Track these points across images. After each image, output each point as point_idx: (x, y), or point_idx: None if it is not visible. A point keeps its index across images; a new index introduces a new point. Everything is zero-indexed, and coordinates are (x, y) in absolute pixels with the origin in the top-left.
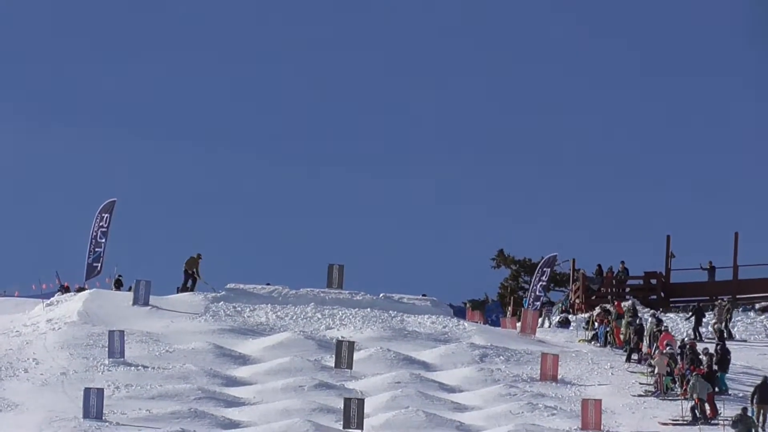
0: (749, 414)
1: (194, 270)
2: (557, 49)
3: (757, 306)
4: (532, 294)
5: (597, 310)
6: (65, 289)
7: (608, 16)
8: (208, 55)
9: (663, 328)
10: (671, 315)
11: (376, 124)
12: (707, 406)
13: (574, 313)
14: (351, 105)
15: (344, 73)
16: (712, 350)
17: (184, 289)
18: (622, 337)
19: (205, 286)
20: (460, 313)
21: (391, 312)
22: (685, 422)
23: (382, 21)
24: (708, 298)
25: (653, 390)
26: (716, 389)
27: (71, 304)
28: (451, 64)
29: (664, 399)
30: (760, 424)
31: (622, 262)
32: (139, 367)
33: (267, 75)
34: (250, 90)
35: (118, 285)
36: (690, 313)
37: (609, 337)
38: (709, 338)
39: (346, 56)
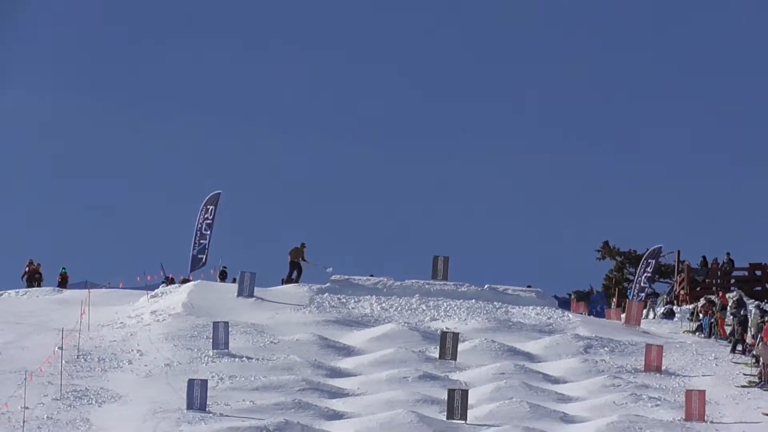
0: None
1: (300, 259)
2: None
3: None
4: (637, 285)
5: (702, 301)
6: (170, 281)
7: None
8: (298, 43)
9: (767, 320)
10: None
11: (477, 112)
12: None
13: (678, 305)
14: (449, 91)
15: (443, 63)
16: None
17: (289, 280)
18: (726, 328)
19: (318, 268)
20: (564, 304)
21: (495, 303)
22: None
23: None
24: None
25: (758, 381)
26: None
27: (176, 296)
28: (557, 50)
29: None
30: None
31: (728, 254)
32: (244, 359)
33: (362, 64)
34: (349, 77)
35: (223, 277)
36: None
37: (713, 329)
38: None
39: (456, 46)
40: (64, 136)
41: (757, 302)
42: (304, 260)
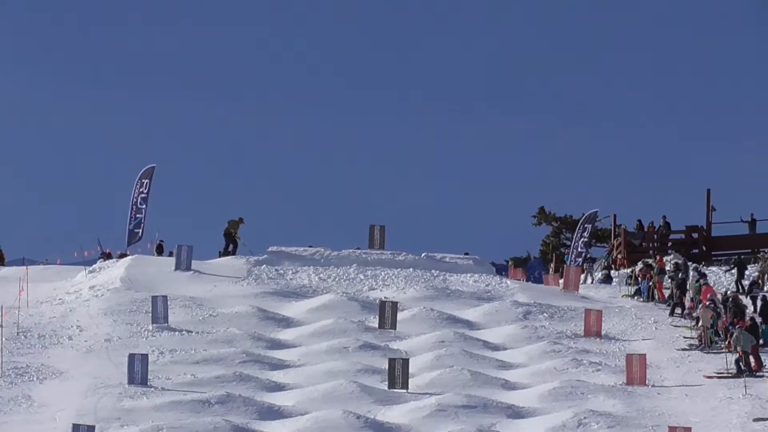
0: None
1: (235, 233)
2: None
3: None
4: (574, 250)
5: (639, 265)
6: (107, 256)
7: None
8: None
9: (704, 282)
10: (713, 268)
11: (413, 77)
12: (752, 359)
13: (616, 269)
14: (387, 56)
15: (377, 23)
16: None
17: (225, 253)
18: (665, 292)
19: (245, 249)
20: (502, 271)
21: (433, 271)
22: (729, 375)
23: None
24: (750, 250)
25: (697, 343)
26: (760, 341)
27: (113, 271)
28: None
29: (709, 352)
30: None
31: (664, 217)
32: (183, 332)
33: (290, 25)
34: (281, 45)
35: (160, 250)
36: (731, 266)
37: (652, 292)
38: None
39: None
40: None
41: (694, 265)
42: (238, 236)
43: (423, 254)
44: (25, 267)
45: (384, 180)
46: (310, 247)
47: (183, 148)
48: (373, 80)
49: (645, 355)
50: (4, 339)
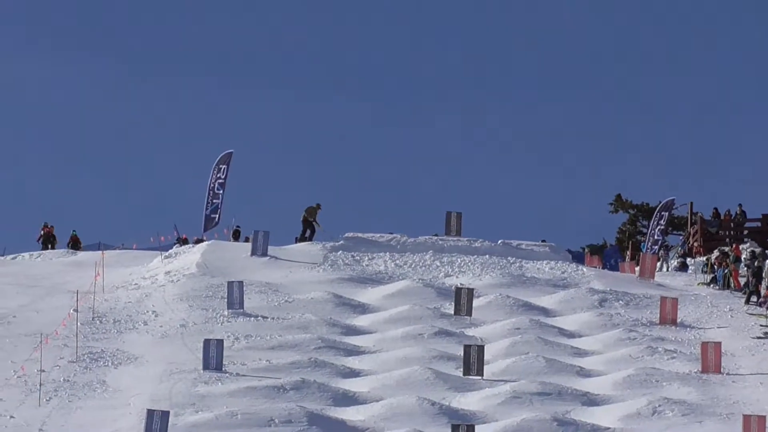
0: None
1: (314, 219)
2: None
3: None
4: (651, 238)
5: (715, 253)
6: (183, 241)
7: None
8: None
9: None
10: None
11: (486, 65)
12: None
13: (692, 257)
14: (453, 43)
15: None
16: None
17: (302, 239)
18: (741, 280)
19: (324, 234)
20: (578, 258)
21: (509, 258)
22: None
23: None
24: None
25: None
26: None
27: (189, 256)
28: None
29: None
30: None
31: (740, 205)
32: (259, 318)
33: (372, 18)
34: (362, 37)
35: (236, 236)
36: None
37: (728, 280)
38: None
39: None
40: (75, 96)
41: None
42: (316, 222)
43: (499, 241)
44: (101, 252)
45: (461, 166)
46: (387, 233)
47: (261, 135)
48: (445, 64)
49: (720, 343)
50: (79, 324)
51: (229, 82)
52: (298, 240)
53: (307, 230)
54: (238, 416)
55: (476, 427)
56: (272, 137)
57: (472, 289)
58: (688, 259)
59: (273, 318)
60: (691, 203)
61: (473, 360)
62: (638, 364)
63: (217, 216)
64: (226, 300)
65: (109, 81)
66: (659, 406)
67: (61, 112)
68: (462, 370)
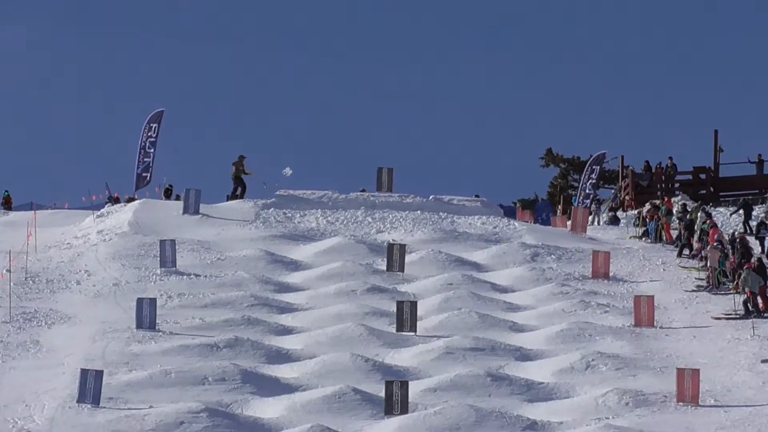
0: None
1: (241, 173)
2: None
3: None
4: (582, 192)
5: (647, 206)
6: (115, 200)
7: None
8: None
9: (711, 224)
10: (721, 209)
11: (420, 21)
12: (759, 300)
13: (624, 210)
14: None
15: None
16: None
17: (233, 196)
18: (672, 233)
19: (257, 181)
20: (510, 213)
21: (441, 214)
22: (737, 316)
23: None
24: (757, 191)
25: (705, 285)
26: None
27: (121, 215)
28: None
29: (716, 294)
30: None
31: (671, 158)
32: (191, 276)
33: None
34: None
35: (168, 194)
36: (737, 208)
37: (659, 233)
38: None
39: None
40: (4, 56)
41: (702, 205)
42: (245, 173)
43: (431, 197)
44: (33, 212)
45: (391, 122)
46: (319, 190)
47: (190, 92)
48: (376, 18)
49: (653, 296)
50: (12, 284)
51: (156, 38)
52: (229, 198)
53: (238, 187)
54: (172, 375)
55: (410, 383)
56: (201, 94)
57: (404, 245)
58: (620, 213)
59: (206, 276)
60: (622, 156)
61: (406, 316)
62: (571, 319)
63: (149, 174)
64: (158, 258)
65: (39, 40)
66: (593, 360)
67: None
68: (395, 326)
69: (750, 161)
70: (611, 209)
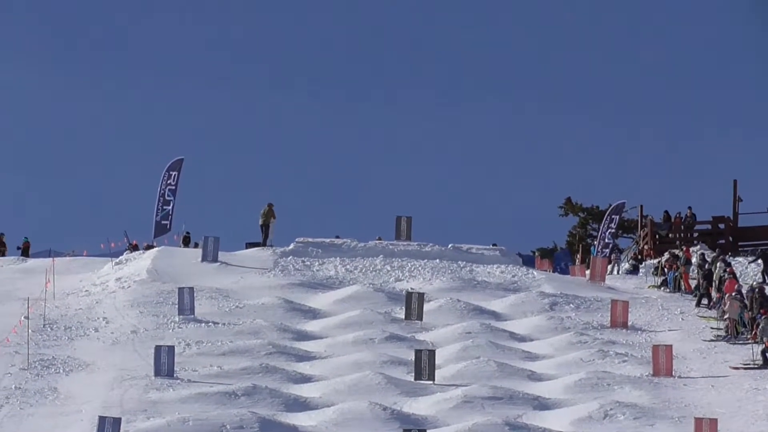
0: None
1: (270, 217)
2: None
3: None
4: (601, 241)
5: (666, 255)
6: (134, 248)
7: None
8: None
9: (729, 275)
10: (740, 259)
11: (436, 72)
12: None
13: (642, 260)
14: (407, 53)
15: (397, 19)
16: None
17: (264, 245)
18: (691, 282)
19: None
20: (529, 261)
21: (460, 262)
22: (756, 366)
23: None
24: None
25: (724, 335)
26: None
27: (140, 262)
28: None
29: (735, 343)
30: None
31: (690, 208)
32: (210, 324)
33: (318, 22)
34: (300, 33)
35: (186, 242)
36: (755, 257)
37: (678, 283)
38: None
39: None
40: (24, 101)
41: (721, 256)
42: (273, 220)
43: (449, 245)
44: (51, 259)
45: (410, 171)
46: (337, 238)
47: (211, 140)
48: (396, 69)
49: (671, 346)
50: (30, 331)
51: (175, 86)
52: (260, 245)
53: (267, 236)
54: (190, 422)
55: (428, 431)
56: (222, 143)
57: (423, 294)
58: (639, 263)
59: (224, 324)
60: (641, 206)
61: (424, 364)
62: (589, 368)
63: (169, 222)
64: (177, 306)
65: (55, 84)
66: (611, 409)
67: (7, 116)
68: (413, 374)
69: None
70: (632, 258)
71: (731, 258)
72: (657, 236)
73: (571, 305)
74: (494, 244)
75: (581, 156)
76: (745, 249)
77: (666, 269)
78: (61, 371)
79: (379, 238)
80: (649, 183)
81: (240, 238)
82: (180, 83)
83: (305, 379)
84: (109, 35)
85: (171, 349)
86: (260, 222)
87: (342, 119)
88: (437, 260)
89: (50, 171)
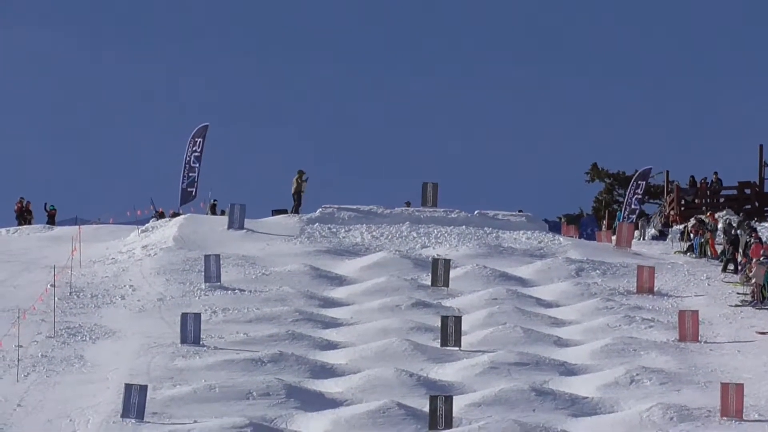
0: None
1: (302, 185)
2: None
3: None
4: (627, 207)
5: (692, 221)
6: (160, 215)
7: None
8: None
9: (755, 239)
10: (766, 224)
11: (464, 35)
12: None
13: (669, 225)
14: (437, 15)
15: None
16: None
17: (295, 212)
18: (717, 247)
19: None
20: (555, 227)
21: (486, 229)
22: None
23: None
24: None
25: (750, 299)
26: None
27: (166, 230)
28: None
29: (761, 308)
30: None
31: (716, 173)
32: (236, 291)
33: None
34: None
35: (214, 210)
36: None
37: (704, 248)
38: None
39: None
40: (49, 69)
41: (747, 221)
42: (303, 189)
43: (476, 212)
44: (77, 226)
45: (437, 137)
46: (363, 205)
47: (235, 107)
48: (422, 36)
49: (697, 311)
50: (57, 299)
51: (201, 52)
52: (289, 212)
53: (299, 203)
54: (216, 390)
55: (454, 397)
56: (246, 108)
57: (449, 260)
58: (665, 228)
59: (250, 291)
60: (668, 171)
61: (451, 331)
62: (616, 334)
63: (194, 189)
64: (203, 273)
65: (83, 53)
66: (637, 375)
67: (34, 84)
68: (439, 341)
69: None
70: (659, 224)
71: (757, 223)
72: (683, 202)
73: (597, 271)
74: (520, 210)
75: (607, 121)
76: None
77: (692, 235)
78: (88, 339)
79: (408, 203)
80: (676, 148)
81: (266, 205)
82: (205, 50)
83: (331, 345)
84: (137, 2)
85: (197, 316)
86: (292, 190)
87: (368, 86)
88: (463, 227)
89: (77, 139)
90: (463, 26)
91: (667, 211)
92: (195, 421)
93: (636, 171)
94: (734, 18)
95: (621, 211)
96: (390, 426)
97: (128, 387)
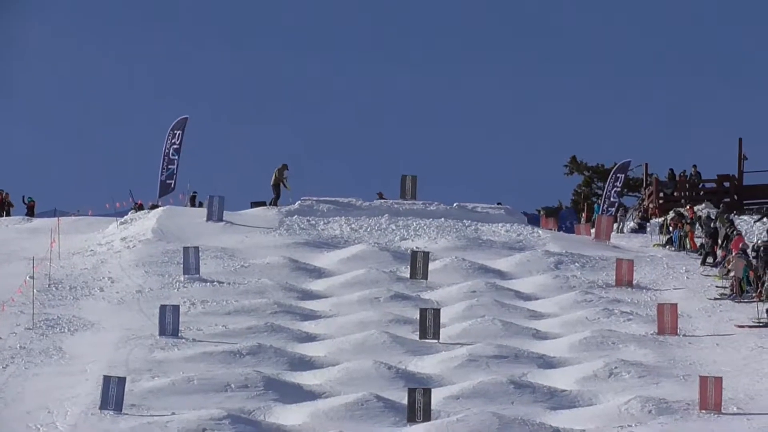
0: None
1: (282, 179)
2: None
3: None
4: (606, 200)
5: (671, 214)
6: (139, 207)
7: None
8: None
9: (736, 232)
10: (745, 217)
11: (443, 29)
12: None
13: (648, 218)
14: (416, 9)
15: None
16: None
17: (274, 204)
18: (696, 241)
19: (287, 195)
20: (534, 220)
21: (465, 221)
22: (761, 324)
23: None
24: None
25: (729, 293)
26: None
27: (145, 222)
28: None
29: (740, 302)
30: None
31: (694, 166)
32: (215, 283)
33: None
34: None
35: (193, 202)
36: (760, 216)
37: (683, 241)
38: None
39: None
40: (27, 60)
41: (726, 213)
42: (284, 184)
43: (455, 204)
44: (56, 218)
45: (416, 130)
46: (342, 197)
47: (214, 98)
48: (400, 27)
49: (676, 304)
50: (35, 291)
51: (181, 44)
52: (269, 204)
53: (278, 196)
54: (195, 382)
55: (433, 390)
56: (225, 100)
57: (428, 253)
58: (643, 221)
59: (229, 283)
60: (646, 164)
61: (429, 323)
62: (594, 327)
63: (173, 181)
64: (182, 265)
65: (61, 43)
66: (616, 368)
67: (13, 75)
68: (418, 333)
69: None
70: (639, 217)
71: (735, 216)
72: (662, 194)
73: (576, 264)
74: (499, 203)
75: (586, 114)
76: (750, 207)
77: (671, 228)
78: (66, 331)
79: (380, 194)
80: (655, 141)
81: (245, 197)
82: (184, 41)
83: (310, 338)
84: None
85: (176, 308)
86: (272, 182)
87: (345, 76)
88: (442, 219)
89: (56, 130)
90: (441, 21)
91: (647, 204)
92: (173, 413)
93: (615, 164)
94: (712, 12)
95: (600, 204)
96: (368, 418)
97: (107, 379)
